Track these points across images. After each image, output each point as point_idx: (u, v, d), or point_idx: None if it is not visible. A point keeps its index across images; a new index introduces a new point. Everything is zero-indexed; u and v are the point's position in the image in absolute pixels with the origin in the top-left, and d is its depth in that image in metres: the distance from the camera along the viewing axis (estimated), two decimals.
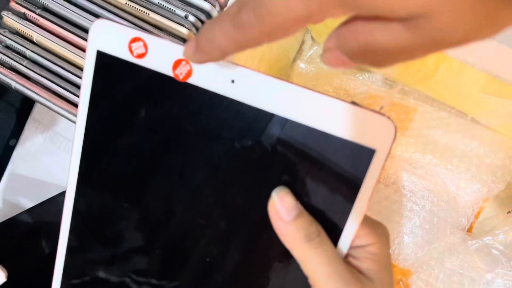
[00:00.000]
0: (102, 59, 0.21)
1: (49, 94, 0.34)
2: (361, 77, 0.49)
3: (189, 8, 0.32)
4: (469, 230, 0.47)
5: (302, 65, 0.45)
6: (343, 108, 0.19)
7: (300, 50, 0.50)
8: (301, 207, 0.20)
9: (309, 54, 0.48)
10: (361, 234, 0.22)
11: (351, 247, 0.21)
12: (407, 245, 0.44)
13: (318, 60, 0.50)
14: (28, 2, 0.35)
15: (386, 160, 0.19)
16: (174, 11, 0.32)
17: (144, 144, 0.22)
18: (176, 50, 0.19)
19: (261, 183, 0.21)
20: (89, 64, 0.21)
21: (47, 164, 0.57)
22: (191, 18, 0.32)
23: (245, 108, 0.20)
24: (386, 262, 0.22)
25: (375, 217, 0.23)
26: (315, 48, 0.48)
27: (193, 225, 0.23)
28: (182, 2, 0.32)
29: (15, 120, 0.57)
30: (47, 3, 0.34)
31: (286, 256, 0.21)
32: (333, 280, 0.20)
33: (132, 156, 0.22)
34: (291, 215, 0.20)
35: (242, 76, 0.19)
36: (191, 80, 0.20)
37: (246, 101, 0.20)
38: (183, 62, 0.19)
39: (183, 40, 0.32)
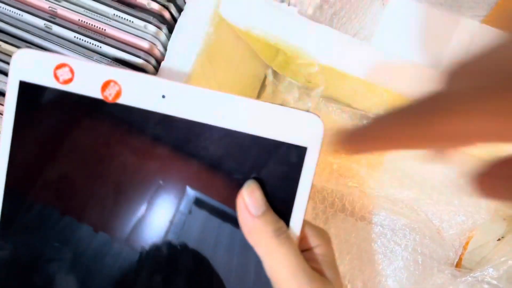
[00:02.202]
0: (26, 89, 0.20)
1: None
2: (330, 108, 0.47)
3: (120, 67, 0.29)
4: (458, 263, 0.44)
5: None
6: (272, 110, 0.19)
7: (263, 86, 0.48)
8: (268, 204, 0.21)
9: (271, 90, 0.45)
10: (305, 236, 0.22)
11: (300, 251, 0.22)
12: None
13: (283, 96, 0.47)
14: None
15: (319, 155, 0.20)
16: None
17: (76, 171, 0.21)
18: (104, 72, 0.19)
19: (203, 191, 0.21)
20: (11, 96, 0.20)
21: None
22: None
23: (178, 122, 0.20)
24: (333, 262, 0.23)
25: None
26: (275, 84, 0.45)
27: (132, 253, 0.22)
28: (112, 60, 0.29)
29: None
30: None
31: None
32: (298, 276, 0.20)
33: (66, 185, 0.21)
34: (260, 209, 0.20)
35: (173, 90, 0.19)
36: (121, 100, 0.20)
37: (178, 115, 0.20)
38: (112, 83, 0.19)
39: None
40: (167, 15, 0.29)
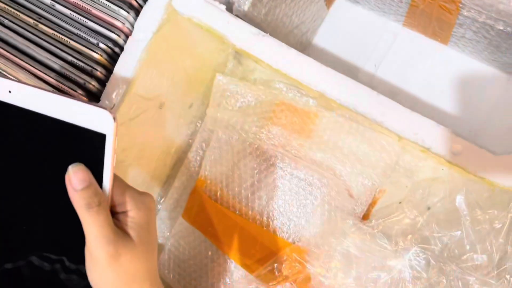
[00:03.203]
0: None
1: None
2: (278, 87, 0.58)
3: (100, 38, 0.41)
4: (365, 217, 0.56)
5: (219, 77, 0.54)
6: (76, 105, 0.25)
7: (223, 62, 0.59)
8: (92, 182, 0.26)
9: (229, 66, 0.57)
10: (122, 202, 0.28)
11: (117, 213, 0.28)
12: (303, 227, 0.52)
13: (242, 72, 0.58)
14: None
15: (115, 141, 0.26)
16: (89, 39, 0.41)
17: None
18: None
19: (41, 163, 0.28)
20: None
21: None
22: (102, 45, 0.41)
23: (20, 111, 0.26)
24: (145, 224, 0.28)
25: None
26: (232, 62, 0.56)
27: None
28: (95, 33, 0.42)
29: None
30: None
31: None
32: (99, 240, 0.25)
33: None
34: (80, 185, 0.25)
35: (16, 88, 0.26)
36: None
37: (21, 105, 0.26)
38: None
39: (96, 63, 0.41)
40: (134, 3, 0.41)
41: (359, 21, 0.57)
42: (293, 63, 0.38)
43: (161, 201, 0.63)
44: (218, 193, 0.56)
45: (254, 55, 0.39)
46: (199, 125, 0.60)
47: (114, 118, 0.25)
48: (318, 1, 0.55)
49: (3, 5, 0.43)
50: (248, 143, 0.54)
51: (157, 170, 0.59)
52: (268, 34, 0.39)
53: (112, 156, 0.26)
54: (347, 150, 0.52)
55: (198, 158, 0.60)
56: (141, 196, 0.29)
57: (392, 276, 0.51)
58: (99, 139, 0.25)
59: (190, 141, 0.61)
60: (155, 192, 0.61)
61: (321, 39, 0.59)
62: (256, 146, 0.54)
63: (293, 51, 0.38)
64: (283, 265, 0.52)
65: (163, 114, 0.51)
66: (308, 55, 0.37)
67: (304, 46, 0.59)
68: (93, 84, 0.41)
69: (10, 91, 0.26)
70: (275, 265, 0.53)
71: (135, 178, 0.53)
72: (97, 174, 0.27)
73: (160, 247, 0.63)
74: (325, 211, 0.52)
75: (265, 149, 0.54)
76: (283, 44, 0.38)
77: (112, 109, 0.28)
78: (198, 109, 0.60)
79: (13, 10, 0.43)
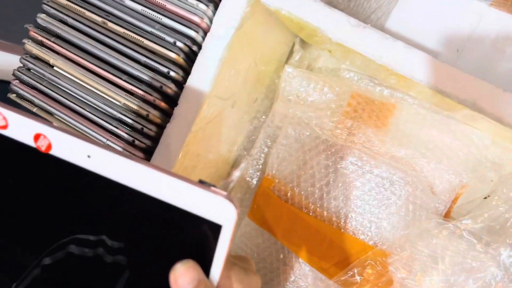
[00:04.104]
0: None
1: (64, 109, 0.41)
2: (347, 76, 0.54)
3: (177, 35, 0.37)
4: (447, 215, 0.52)
5: (288, 69, 0.50)
6: (190, 188, 0.20)
7: (290, 53, 0.55)
8: (201, 279, 0.22)
9: (297, 57, 0.52)
10: (227, 287, 0.24)
11: None
12: (385, 229, 0.49)
13: (307, 62, 0.54)
14: (44, 31, 0.41)
15: (232, 234, 0.21)
16: (164, 38, 0.37)
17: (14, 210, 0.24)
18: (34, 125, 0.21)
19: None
20: None
21: None
22: (179, 43, 0.37)
23: (102, 181, 0.21)
24: None
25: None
26: (301, 52, 0.52)
27: None
28: (171, 30, 0.37)
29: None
30: (59, 32, 0.40)
31: None
32: None
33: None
34: (189, 286, 0.22)
35: (97, 153, 0.20)
36: (53, 152, 0.21)
37: (102, 174, 0.21)
38: (42, 136, 0.21)
39: (173, 63, 0.37)
40: None
41: (437, 1, 0.52)
42: (401, 57, 0.33)
43: None
44: (289, 193, 0.53)
45: (353, 49, 0.35)
46: (262, 120, 0.57)
47: (236, 208, 0.20)
48: None
49: (66, 2, 0.39)
50: (321, 139, 0.50)
51: (219, 169, 0.56)
52: (368, 25, 0.34)
53: (227, 250, 0.21)
54: (432, 144, 0.48)
55: (262, 155, 0.57)
56: (248, 277, 0.25)
57: (484, 279, 0.47)
58: (213, 229, 0.21)
59: (252, 137, 0.57)
60: None
61: (394, 23, 0.54)
62: (330, 142, 0.50)
63: (400, 44, 0.33)
64: (366, 269, 0.49)
65: (233, 113, 0.47)
66: None
67: None
68: (170, 87, 0.38)
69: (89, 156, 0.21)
70: (355, 269, 0.50)
71: (200, 177, 0.50)
72: (204, 263, 0.23)
73: None
74: (409, 211, 0.49)
75: (341, 146, 0.50)
76: (387, 35, 0.34)
77: (229, 194, 0.23)
78: (262, 103, 0.56)
79: (77, 8, 0.39)
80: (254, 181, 0.58)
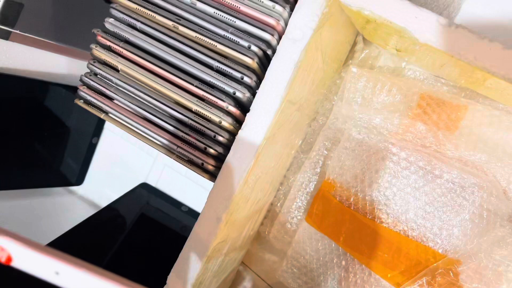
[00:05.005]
0: None
1: (133, 115, 0.40)
2: (412, 76, 0.51)
3: (251, 39, 0.36)
4: None
5: (354, 69, 0.48)
6: None
7: (352, 51, 0.53)
8: None
9: (361, 56, 0.50)
10: None
11: None
12: (456, 237, 0.46)
13: (370, 62, 0.52)
14: (112, 36, 0.40)
15: None
16: (238, 42, 0.36)
17: None
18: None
19: None
20: None
21: (126, 159, 0.64)
22: (254, 48, 0.35)
23: None
24: None
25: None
26: (366, 51, 0.50)
27: None
28: (245, 33, 0.36)
29: (97, 120, 0.65)
30: (128, 36, 0.39)
31: None
32: None
33: None
34: None
35: (66, 270, 0.19)
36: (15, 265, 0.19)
37: None
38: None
39: (247, 68, 0.36)
40: None
41: None
42: (499, 60, 0.31)
43: (278, 204, 0.58)
44: (352, 198, 0.51)
45: (443, 51, 0.32)
46: (321, 122, 0.55)
47: None
48: None
49: (135, 6, 0.38)
50: (389, 143, 0.48)
51: (276, 174, 0.54)
52: (461, 24, 0.32)
53: None
54: (511, 149, 0.45)
55: (322, 158, 0.55)
56: None
57: None
58: None
59: (310, 140, 0.56)
60: (271, 195, 0.57)
61: (463, 19, 0.51)
62: (399, 146, 0.48)
63: (497, 45, 0.31)
64: (436, 278, 0.47)
65: (297, 116, 0.46)
66: None
67: None
68: (243, 93, 0.36)
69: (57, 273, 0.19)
70: (425, 278, 0.48)
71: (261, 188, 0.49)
72: None
73: (279, 253, 0.59)
74: (483, 218, 0.46)
75: (410, 150, 0.48)
76: (483, 36, 0.31)
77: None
78: (322, 104, 0.54)
79: (147, 12, 0.38)
80: (312, 185, 0.56)
